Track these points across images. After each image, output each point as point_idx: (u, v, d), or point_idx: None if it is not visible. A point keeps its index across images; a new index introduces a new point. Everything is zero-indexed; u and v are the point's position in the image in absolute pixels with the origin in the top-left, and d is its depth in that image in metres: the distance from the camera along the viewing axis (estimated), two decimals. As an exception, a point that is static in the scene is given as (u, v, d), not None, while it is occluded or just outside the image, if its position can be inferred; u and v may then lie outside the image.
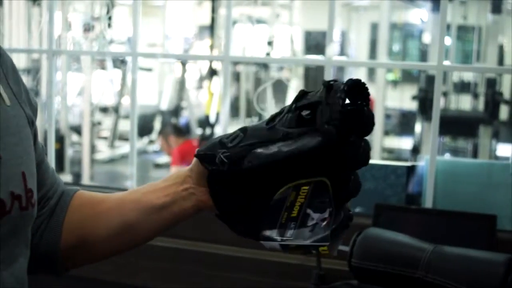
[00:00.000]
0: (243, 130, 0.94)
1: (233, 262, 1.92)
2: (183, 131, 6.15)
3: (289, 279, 2.09)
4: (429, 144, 2.27)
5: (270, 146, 0.90)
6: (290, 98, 9.23)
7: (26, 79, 5.73)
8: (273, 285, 2.10)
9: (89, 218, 1.02)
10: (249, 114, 9.91)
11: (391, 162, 2.29)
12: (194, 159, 0.96)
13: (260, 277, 2.12)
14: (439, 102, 2.16)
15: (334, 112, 0.88)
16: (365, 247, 1.85)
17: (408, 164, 2.29)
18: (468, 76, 7.22)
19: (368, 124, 0.91)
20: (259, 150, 0.91)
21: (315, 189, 0.90)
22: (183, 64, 9.01)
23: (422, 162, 2.24)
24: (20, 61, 5.75)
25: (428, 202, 2.17)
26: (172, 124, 7.70)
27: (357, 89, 0.90)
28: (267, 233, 0.90)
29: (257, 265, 2.13)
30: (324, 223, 0.88)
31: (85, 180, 6.30)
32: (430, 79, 5.88)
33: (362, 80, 0.90)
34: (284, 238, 0.89)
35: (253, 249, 2.13)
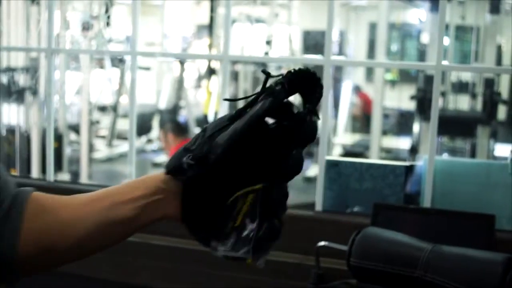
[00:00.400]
0: (203, 129, 0.95)
1: (229, 262, 1.91)
2: (183, 130, 6.14)
3: (287, 279, 2.09)
4: (427, 144, 2.28)
5: (227, 130, 0.91)
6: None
7: (24, 78, 5.73)
8: (271, 284, 2.11)
9: (54, 226, 0.95)
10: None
11: (389, 162, 2.29)
12: (160, 177, 0.96)
13: (259, 276, 2.12)
14: (437, 102, 2.17)
15: (282, 76, 0.90)
16: (363, 247, 1.85)
17: (407, 163, 2.29)
18: (466, 76, 7.22)
19: (316, 86, 0.92)
20: (218, 138, 0.91)
21: (257, 197, 0.91)
22: (182, 63, 9.01)
23: (421, 162, 2.24)
24: (18, 60, 5.74)
25: (426, 202, 2.17)
26: (175, 122, 7.69)
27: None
28: (214, 243, 0.92)
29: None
30: (251, 234, 0.89)
31: (83, 179, 6.30)
32: (428, 79, 5.88)
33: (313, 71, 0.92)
34: (224, 249, 0.90)
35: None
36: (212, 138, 0.91)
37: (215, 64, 8.37)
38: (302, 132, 0.93)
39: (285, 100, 0.91)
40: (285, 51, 9.39)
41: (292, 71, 0.91)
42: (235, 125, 0.90)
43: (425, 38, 9.79)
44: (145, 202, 0.94)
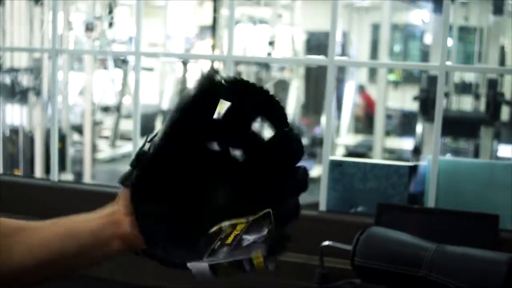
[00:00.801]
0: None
1: (236, 262, 1.92)
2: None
3: (291, 278, 2.09)
4: (430, 145, 2.28)
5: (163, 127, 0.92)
6: (291, 97, 9.26)
7: (28, 79, 5.74)
8: (275, 284, 2.11)
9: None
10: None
11: (393, 162, 2.30)
12: (118, 195, 0.95)
13: (262, 276, 2.12)
14: (441, 101, 2.17)
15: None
16: (368, 246, 1.85)
17: (411, 164, 2.29)
18: (470, 77, 7.22)
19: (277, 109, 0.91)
20: (155, 138, 0.92)
21: (254, 222, 0.91)
22: (185, 64, 9.01)
23: (424, 162, 2.24)
24: (21, 61, 5.76)
25: (430, 202, 2.17)
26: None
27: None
28: (195, 261, 0.90)
29: (259, 264, 2.13)
30: (262, 239, 0.90)
31: (87, 179, 6.31)
32: (432, 80, 5.89)
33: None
34: (214, 259, 0.89)
35: (256, 248, 2.13)
36: (151, 140, 0.94)
37: (218, 65, 8.38)
38: (283, 152, 0.93)
39: (251, 131, 0.92)
40: (288, 52, 9.39)
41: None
42: (168, 120, 0.93)
43: (428, 39, 9.79)
44: (99, 239, 0.91)
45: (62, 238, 0.92)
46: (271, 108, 0.92)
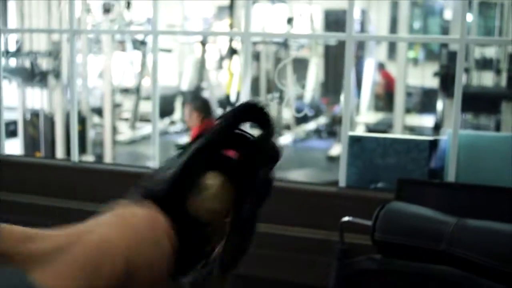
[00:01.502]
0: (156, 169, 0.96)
1: (257, 238, 1.93)
2: (208, 109, 6.10)
3: (312, 254, 2.10)
4: (450, 121, 2.27)
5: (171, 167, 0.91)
6: (310, 76, 9.23)
7: (47, 62, 5.77)
8: (296, 260, 2.11)
9: None
10: (269, 93, 9.89)
11: (413, 137, 2.28)
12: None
13: (284, 252, 2.13)
14: (461, 74, 2.15)
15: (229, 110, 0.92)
16: (388, 221, 1.85)
17: (431, 138, 2.28)
18: (490, 52, 7.15)
19: (263, 118, 0.92)
20: (167, 173, 0.90)
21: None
22: (203, 44, 8.99)
23: (445, 136, 2.22)
24: (40, 44, 5.78)
25: (450, 176, 2.16)
26: (201, 99, 7.67)
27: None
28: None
29: (281, 240, 2.14)
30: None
31: (107, 161, 6.33)
32: (452, 56, 5.83)
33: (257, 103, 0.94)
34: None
35: (278, 224, 2.14)
36: (161, 174, 0.91)
37: (237, 45, 8.35)
38: (264, 154, 0.93)
39: (238, 131, 0.91)
40: (306, 31, 9.34)
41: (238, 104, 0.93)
42: (180, 159, 0.90)
43: (448, 15, 9.70)
44: None
45: None
46: (266, 121, 0.94)
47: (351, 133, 2.27)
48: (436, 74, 6.46)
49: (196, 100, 6.58)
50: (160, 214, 0.83)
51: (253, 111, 0.92)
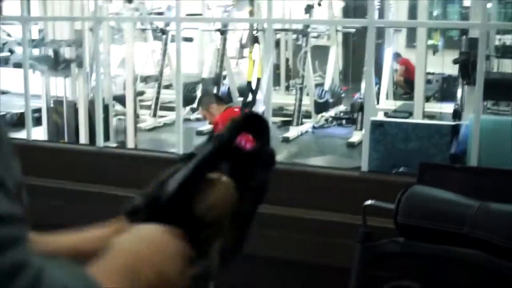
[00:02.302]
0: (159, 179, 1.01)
1: (280, 221, 1.97)
2: (223, 98, 6.15)
3: (335, 237, 2.13)
4: (470, 108, 2.28)
5: (177, 174, 0.97)
6: (330, 64, 9.21)
7: (70, 51, 5.82)
8: (319, 243, 2.14)
9: None
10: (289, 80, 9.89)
11: (435, 122, 2.30)
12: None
13: (306, 235, 2.16)
14: (483, 58, 2.16)
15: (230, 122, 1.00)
16: (410, 204, 1.87)
17: (453, 123, 2.29)
18: (510, 40, 7.11)
19: (261, 126, 1.01)
20: (170, 181, 0.97)
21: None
22: (223, 33, 9.01)
23: (467, 121, 2.24)
24: (63, 33, 5.83)
25: (472, 160, 2.17)
26: (211, 93, 7.72)
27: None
28: None
29: (303, 223, 2.17)
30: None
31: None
32: (472, 42, 5.80)
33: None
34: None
35: (300, 208, 2.17)
36: (165, 182, 0.97)
37: (257, 33, 8.37)
38: (260, 162, 1.01)
39: (234, 144, 0.99)
40: (325, 17, 9.33)
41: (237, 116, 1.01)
42: (184, 169, 0.97)
43: (467, 2, 9.64)
44: None
45: None
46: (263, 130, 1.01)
47: (373, 118, 2.30)
48: (455, 61, 6.42)
49: (205, 97, 6.62)
50: (173, 235, 0.93)
51: (254, 122, 1.01)
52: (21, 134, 3.39)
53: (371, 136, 2.27)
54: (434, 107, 9.02)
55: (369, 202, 2.00)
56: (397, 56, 10.38)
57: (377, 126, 2.27)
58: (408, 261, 2.01)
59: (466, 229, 1.78)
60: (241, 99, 8.63)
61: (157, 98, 9.06)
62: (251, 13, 8.61)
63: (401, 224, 1.88)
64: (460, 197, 1.87)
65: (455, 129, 2.26)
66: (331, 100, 8.83)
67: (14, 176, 0.75)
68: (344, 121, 9.09)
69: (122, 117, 6.97)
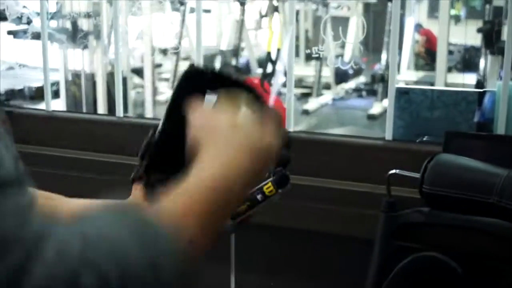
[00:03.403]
0: None
1: (302, 191, 1.93)
2: (242, 70, 6.11)
3: (358, 207, 2.09)
4: (494, 79, 2.22)
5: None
6: (350, 35, 9.13)
7: (87, 23, 5.79)
8: (342, 213, 2.11)
9: None
10: (309, 54, 9.82)
11: (461, 89, 2.24)
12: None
13: (329, 205, 2.12)
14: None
15: None
16: (436, 173, 1.83)
17: (480, 90, 2.24)
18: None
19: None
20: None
21: None
22: (242, 4, 8.94)
23: (494, 88, 2.18)
24: (81, 5, 5.80)
25: (500, 129, 2.12)
26: (230, 65, 7.68)
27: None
28: None
29: (326, 193, 2.13)
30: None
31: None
32: (496, 11, 5.72)
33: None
34: None
35: (324, 178, 2.13)
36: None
37: (277, 2, 8.31)
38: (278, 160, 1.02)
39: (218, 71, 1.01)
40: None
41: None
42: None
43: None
44: None
45: None
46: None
47: (398, 86, 2.24)
48: (479, 30, 6.33)
49: (226, 68, 6.61)
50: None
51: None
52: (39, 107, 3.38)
53: (395, 104, 2.22)
54: (456, 77, 8.92)
55: (393, 171, 1.96)
56: (418, 26, 10.26)
57: (402, 93, 2.22)
58: (432, 232, 1.98)
59: (493, 198, 1.74)
60: (260, 70, 8.59)
61: (176, 71, 9.03)
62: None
63: (426, 193, 1.84)
64: (487, 166, 1.83)
65: (482, 97, 2.20)
66: (351, 72, 8.76)
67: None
68: (364, 93, 9.03)
69: (140, 89, 6.95)
